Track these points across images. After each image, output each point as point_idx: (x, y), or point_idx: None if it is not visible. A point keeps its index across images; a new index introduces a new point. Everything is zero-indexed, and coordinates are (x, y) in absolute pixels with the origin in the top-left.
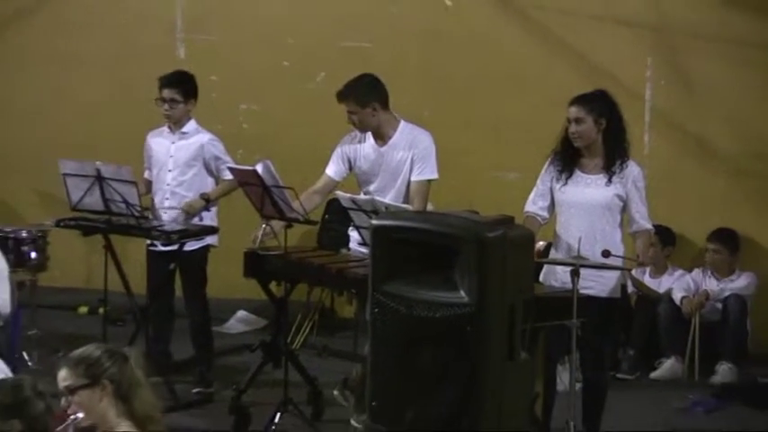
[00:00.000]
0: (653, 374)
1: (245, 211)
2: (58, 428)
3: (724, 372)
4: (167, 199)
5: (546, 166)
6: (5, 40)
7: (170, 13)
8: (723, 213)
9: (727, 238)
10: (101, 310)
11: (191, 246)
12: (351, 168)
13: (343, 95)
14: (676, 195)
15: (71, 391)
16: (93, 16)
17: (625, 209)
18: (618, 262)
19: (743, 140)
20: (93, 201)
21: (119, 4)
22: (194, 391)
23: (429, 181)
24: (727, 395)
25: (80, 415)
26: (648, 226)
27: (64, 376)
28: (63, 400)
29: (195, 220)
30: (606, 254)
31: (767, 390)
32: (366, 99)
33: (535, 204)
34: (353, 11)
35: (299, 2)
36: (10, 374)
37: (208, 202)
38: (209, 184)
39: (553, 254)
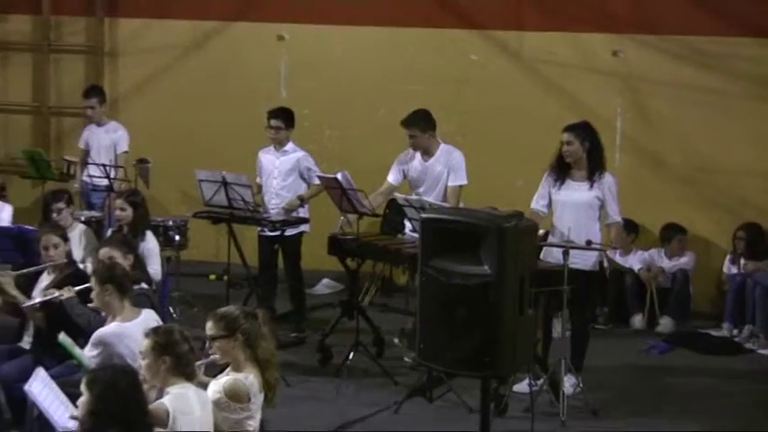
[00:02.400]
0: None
1: (329, 208)
2: (198, 363)
3: (665, 323)
4: (273, 198)
5: (545, 175)
6: (163, 83)
7: (276, 66)
8: (673, 211)
9: (678, 229)
10: (225, 278)
11: (290, 232)
12: (405, 176)
13: (408, 123)
14: (639, 197)
15: (213, 338)
16: (223, 66)
17: (602, 207)
18: (597, 246)
19: (688, 158)
20: (220, 198)
21: (242, 58)
22: (291, 335)
23: (461, 186)
24: (675, 341)
25: (217, 356)
26: (619, 219)
27: (209, 327)
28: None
29: (293, 214)
30: (588, 242)
31: (702, 337)
32: (425, 127)
33: (537, 203)
34: (407, 63)
35: (370, 56)
36: (161, 323)
37: (302, 201)
38: (303, 188)
39: (550, 239)
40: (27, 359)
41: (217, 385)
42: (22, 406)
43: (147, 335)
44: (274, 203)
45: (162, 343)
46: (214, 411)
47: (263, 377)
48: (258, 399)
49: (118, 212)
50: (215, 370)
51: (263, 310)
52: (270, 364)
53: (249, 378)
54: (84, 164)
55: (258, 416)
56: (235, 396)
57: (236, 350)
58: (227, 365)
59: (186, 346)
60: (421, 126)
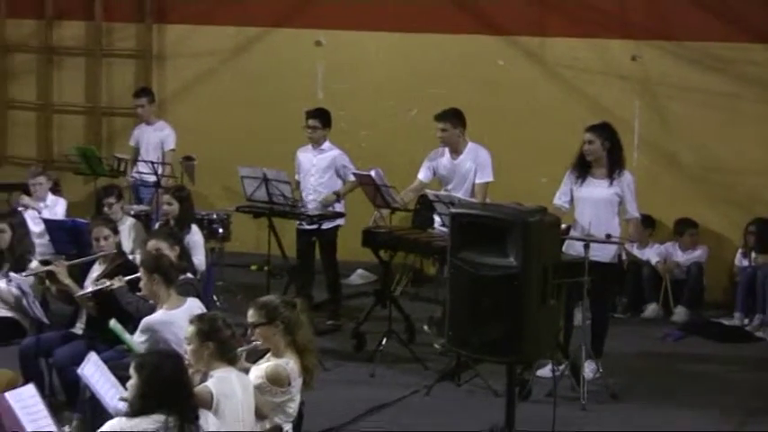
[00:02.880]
0: (641, 316)
1: (363, 203)
2: (240, 348)
3: (680, 313)
4: (311, 194)
5: (567, 173)
6: (208, 86)
7: (313, 70)
8: (687, 207)
9: (692, 224)
10: (265, 268)
11: (326, 225)
12: (434, 174)
13: (441, 117)
14: (655, 194)
15: (254, 326)
16: (264, 70)
17: (621, 203)
18: (616, 240)
19: (701, 157)
20: (261, 194)
21: (282, 62)
22: (328, 322)
23: (487, 183)
24: (689, 329)
25: (259, 342)
26: (636, 214)
27: (251, 315)
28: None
29: (329, 209)
30: (608, 236)
31: (714, 325)
32: (456, 122)
33: (560, 199)
34: (437, 67)
35: (401, 61)
36: (206, 311)
37: (338, 196)
38: (338, 185)
39: (572, 233)
40: (80, 344)
41: (259, 370)
42: (76, 388)
43: (191, 322)
44: (312, 199)
45: (206, 330)
46: (256, 395)
47: (301, 362)
48: (297, 383)
49: (165, 207)
50: (256, 356)
51: (301, 300)
52: (308, 351)
53: (290, 363)
54: (134, 161)
55: (297, 398)
56: (276, 380)
57: (277, 337)
58: (267, 351)
59: (228, 332)
60: (453, 121)
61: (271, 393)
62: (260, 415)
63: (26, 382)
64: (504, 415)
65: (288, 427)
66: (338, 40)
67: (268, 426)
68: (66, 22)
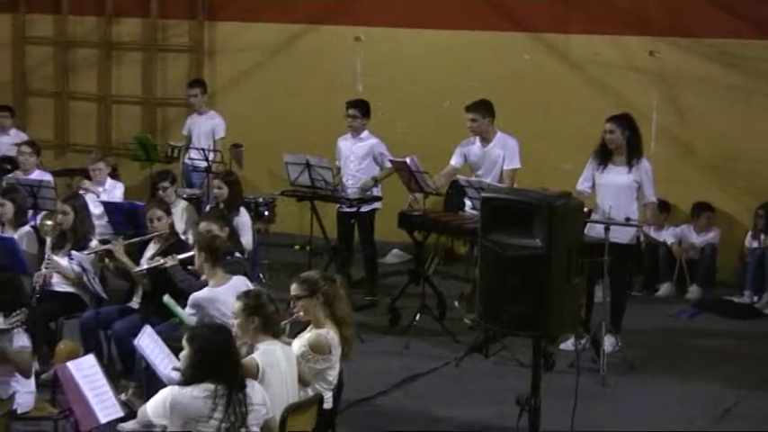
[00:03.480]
0: (657, 294)
1: (399, 188)
2: (284, 321)
3: (693, 291)
4: (350, 179)
5: (590, 160)
6: (255, 79)
7: (353, 64)
8: (701, 192)
9: (706, 208)
10: (307, 248)
11: (364, 208)
12: (465, 160)
13: (472, 108)
14: (671, 180)
15: (297, 298)
16: (306, 63)
17: (639, 188)
18: (634, 223)
19: (715, 146)
20: (304, 179)
21: (323, 56)
22: (365, 298)
23: (515, 169)
24: (702, 306)
25: (301, 314)
26: (654, 199)
27: (293, 288)
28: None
29: (367, 193)
30: (627, 219)
31: (726, 303)
32: (486, 113)
33: (582, 185)
34: (468, 62)
35: (435, 55)
36: (252, 287)
37: (375, 181)
38: (376, 170)
39: (593, 216)
40: (136, 317)
41: (302, 340)
42: (132, 358)
43: (238, 298)
44: (351, 184)
45: (251, 305)
46: (299, 363)
47: (340, 333)
48: (337, 352)
49: (215, 191)
50: (299, 328)
51: (340, 276)
52: (346, 322)
53: (330, 333)
54: (187, 148)
55: (337, 367)
56: (318, 348)
57: (317, 309)
58: (308, 324)
59: (272, 307)
60: (482, 112)
61: (313, 361)
62: (303, 382)
63: (86, 352)
64: (529, 385)
65: (328, 395)
66: (376, 36)
67: (311, 393)
68: (124, 20)
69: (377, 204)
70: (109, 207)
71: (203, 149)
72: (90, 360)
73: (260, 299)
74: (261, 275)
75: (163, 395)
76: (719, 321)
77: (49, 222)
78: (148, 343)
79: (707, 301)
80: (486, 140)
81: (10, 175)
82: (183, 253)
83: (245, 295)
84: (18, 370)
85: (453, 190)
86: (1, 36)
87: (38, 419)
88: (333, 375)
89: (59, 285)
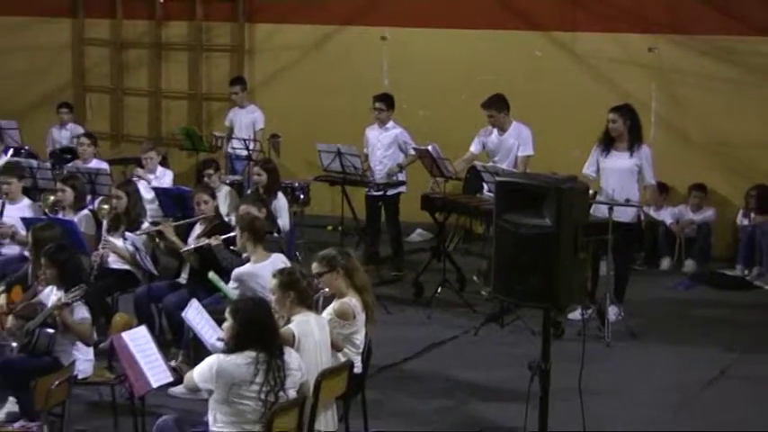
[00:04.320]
0: (658, 267)
1: (422, 173)
2: (316, 295)
3: (689, 265)
4: (377, 166)
5: (594, 147)
6: (291, 75)
7: (379, 61)
8: (697, 175)
9: (701, 189)
10: (339, 228)
11: (390, 192)
12: (484, 147)
13: (488, 105)
14: (669, 164)
15: (319, 275)
16: (337, 61)
17: (640, 172)
18: (635, 203)
19: (709, 133)
20: (335, 166)
21: (352, 54)
22: (392, 274)
23: (528, 156)
24: (698, 279)
25: (326, 289)
26: (653, 182)
27: (314, 267)
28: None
29: (393, 178)
30: (628, 200)
31: (719, 276)
32: (501, 107)
33: (588, 169)
34: (484, 57)
35: (454, 52)
36: (288, 264)
37: (400, 167)
38: (400, 157)
39: (598, 198)
40: (184, 292)
41: (328, 309)
42: (181, 329)
43: (274, 275)
44: (378, 170)
45: (287, 281)
46: (331, 332)
47: (361, 300)
48: (361, 317)
49: (255, 177)
50: (329, 302)
51: (361, 251)
52: (366, 290)
53: (352, 301)
54: (229, 138)
55: (363, 331)
56: (343, 315)
57: (338, 281)
58: (332, 296)
59: (305, 282)
60: (497, 107)
61: (339, 326)
62: (336, 348)
63: (140, 324)
64: (540, 351)
65: (357, 359)
66: (400, 35)
67: (342, 359)
68: (172, 23)
69: (402, 188)
70: (159, 192)
71: (244, 140)
72: (142, 331)
73: (294, 275)
74: (296, 254)
75: (209, 362)
76: (714, 292)
77: (106, 206)
78: (195, 315)
79: (702, 274)
80: (502, 130)
81: (70, 164)
82: (226, 233)
83: (281, 272)
84: (78, 339)
85: (471, 175)
86: (62, 39)
87: (96, 384)
88: (359, 339)
89: (115, 263)
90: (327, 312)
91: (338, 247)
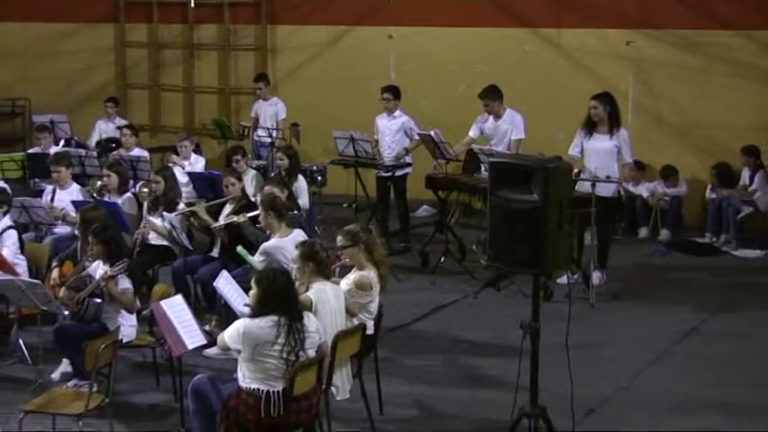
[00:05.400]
0: (637, 236)
1: (426, 156)
2: (334, 265)
3: (664, 234)
4: (386, 150)
5: (578, 130)
6: (309, 70)
7: (387, 56)
8: (670, 154)
9: (673, 167)
10: (353, 206)
11: (398, 173)
12: (481, 132)
13: (484, 95)
14: (645, 145)
15: (342, 248)
16: (349, 57)
17: (619, 152)
18: (615, 180)
19: (680, 117)
20: (349, 150)
21: (363, 51)
22: (400, 245)
23: (520, 139)
24: (672, 246)
25: (347, 260)
26: (630, 160)
27: (339, 240)
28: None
29: (400, 160)
30: (608, 177)
31: (691, 243)
32: (495, 97)
33: (573, 150)
34: (480, 52)
35: (453, 48)
36: (308, 238)
37: (407, 151)
38: (406, 142)
39: (582, 175)
40: (216, 264)
41: (348, 280)
42: (213, 297)
43: (296, 247)
44: (387, 153)
45: (307, 253)
46: (345, 298)
47: (378, 272)
48: (377, 288)
49: (278, 161)
50: (346, 271)
51: (376, 227)
52: (382, 264)
53: (370, 274)
54: (255, 128)
55: (377, 300)
56: (361, 287)
57: (359, 255)
58: (353, 267)
59: (324, 254)
60: (492, 97)
61: (358, 296)
62: (350, 313)
63: (177, 293)
64: (531, 312)
65: (370, 323)
66: (405, 34)
67: (356, 322)
68: (203, 26)
69: (408, 169)
70: (193, 176)
71: (268, 128)
72: (179, 299)
73: (314, 247)
74: (316, 228)
75: (237, 326)
76: (686, 258)
77: (146, 190)
78: (225, 284)
79: (676, 241)
80: (497, 117)
81: (114, 153)
82: (252, 212)
83: (302, 245)
84: (122, 308)
85: (470, 157)
86: (106, 42)
87: (139, 347)
88: (374, 307)
89: (154, 240)
90: (346, 283)
91: (361, 224)
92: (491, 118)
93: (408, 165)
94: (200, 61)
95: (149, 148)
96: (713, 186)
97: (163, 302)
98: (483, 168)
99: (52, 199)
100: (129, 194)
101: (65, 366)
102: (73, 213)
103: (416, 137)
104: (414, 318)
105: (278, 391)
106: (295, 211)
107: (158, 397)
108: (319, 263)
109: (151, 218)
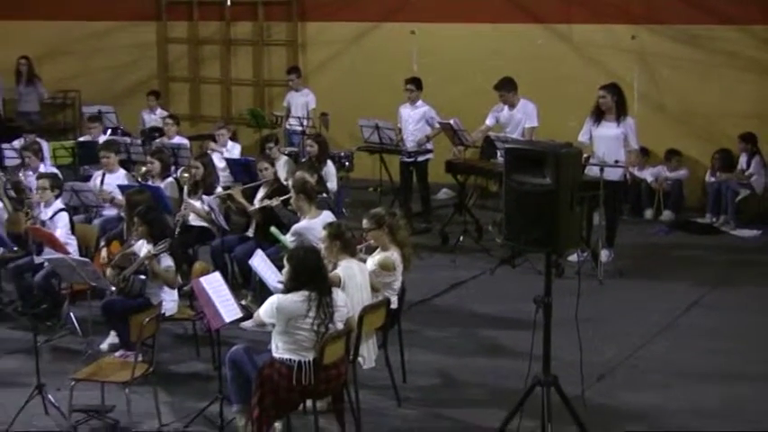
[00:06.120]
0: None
1: (445, 142)
2: (360, 246)
3: (667, 215)
4: (409, 137)
5: (587, 118)
6: (338, 63)
7: (409, 50)
8: (673, 141)
9: (676, 153)
10: (378, 189)
11: (420, 159)
12: (497, 121)
13: (499, 86)
14: (650, 132)
15: (368, 230)
16: (375, 51)
17: (625, 139)
18: (622, 165)
19: (683, 106)
20: (374, 138)
21: (387, 45)
22: (422, 225)
23: (533, 127)
24: (674, 226)
25: (372, 242)
26: (636, 147)
27: (365, 223)
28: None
29: (422, 147)
30: (616, 162)
31: (692, 223)
32: (510, 88)
33: (583, 137)
34: (496, 46)
35: (471, 42)
36: (336, 219)
37: (428, 138)
38: (428, 130)
39: (591, 161)
40: (251, 243)
41: (373, 260)
42: (249, 274)
43: (324, 227)
44: (410, 140)
45: (334, 233)
46: (370, 276)
47: (401, 253)
48: (400, 268)
49: (308, 148)
50: (371, 251)
51: (400, 210)
52: (405, 245)
53: (394, 254)
54: (287, 117)
55: (400, 279)
56: (386, 267)
57: (384, 237)
58: (377, 247)
59: (349, 234)
60: (507, 88)
61: (382, 276)
62: (374, 289)
63: (215, 270)
64: (543, 287)
65: (394, 298)
66: (426, 29)
67: (381, 298)
68: (239, 23)
69: (429, 155)
70: (230, 162)
71: (299, 117)
72: (217, 276)
73: (340, 228)
74: (344, 211)
75: (271, 301)
76: (687, 237)
77: (186, 175)
78: (260, 262)
79: (678, 222)
80: (512, 106)
81: (157, 141)
82: (284, 195)
83: (329, 226)
84: (165, 284)
85: (486, 143)
86: (149, 39)
87: (180, 320)
88: (397, 285)
89: (194, 221)
90: (372, 263)
91: (386, 207)
92: (506, 107)
93: (429, 151)
94: (236, 56)
95: (189, 136)
96: (712, 171)
97: (202, 279)
98: (499, 154)
99: (101, 183)
100: (170, 179)
101: (112, 338)
102: (119, 197)
103: (437, 125)
104: (435, 293)
105: (309, 361)
106: (324, 194)
107: (198, 366)
108: (345, 242)
109: (191, 201)
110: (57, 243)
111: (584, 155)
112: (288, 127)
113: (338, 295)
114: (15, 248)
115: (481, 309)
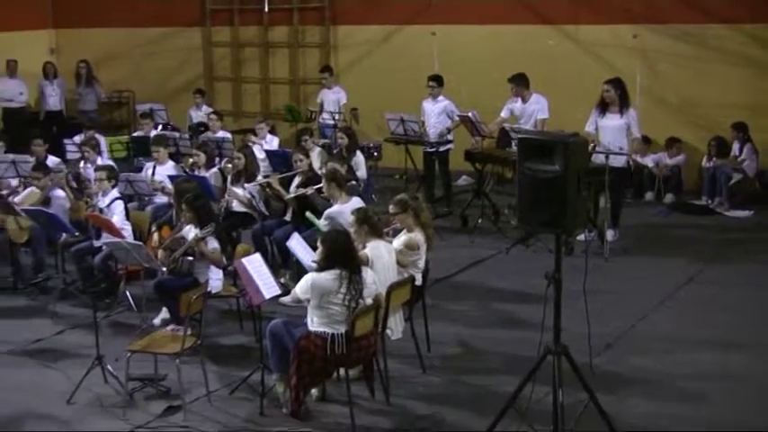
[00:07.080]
0: (643, 200)
1: (465, 133)
2: (386, 229)
3: (667, 197)
4: (431, 129)
5: (593, 110)
6: (366, 63)
7: (431, 50)
8: (672, 130)
9: (675, 141)
10: (404, 177)
11: (442, 149)
12: (512, 113)
13: (514, 80)
14: (651, 122)
15: (393, 215)
16: (400, 52)
17: (628, 128)
18: (625, 152)
19: (681, 98)
20: (400, 130)
21: (413, 46)
22: (444, 209)
23: (545, 119)
24: (673, 208)
25: (398, 225)
26: (639, 136)
27: (391, 208)
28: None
29: (444, 138)
30: (620, 149)
31: (690, 205)
32: (522, 82)
33: (589, 127)
34: (509, 45)
35: (487, 42)
36: (364, 204)
37: (449, 130)
38: (448, 122)
39: (597, 149)
40: (289, 227)
41: (399, 241)
42: (287, 255)
43: (353, 213)
44: (432, 132)
45: (361, 217)
46: (398, 255)
47: (425, 233)
48: (424, 248)
49: (339, 140)
50: (397, 233)
51: (423, 194)
52: (428, 226)
53: (418, 235)
54: (320, 112)
55: (424, 257)
56: (411, 246)
57: (409, 219)
58: (402, 229)
59: (375, 218)
60: (520, 82)
61: (408, 255)
62: (402, 266)
63: (256, 252)
64: (554, 265)
65: (419, 275)
66: (446, 31)
67: (406, 275)
68: (276, 27)
69: (450, 146)
70: (269, 153)
71: (331, 112)
72: (258, 257)
73: (366, 213)
74: (373, 196)
75: (306, 278)
76: (685, 218)
77: (229, 165)
78: (297, 244)
79: (676, 204)
80: (525, 99)
81: (203, 135)
82: (317, 183)
83: (356, 211)
84: (211, 264)
85: (502, 134)
86: (195, 42)
87: (225, 297)
88: (421, 263)
89: (237, 207)
90: (398, 243)
91: (410, 193)
92: (519, 100)
93: (450, 141)
94: (273, 57)
95: (232, 130)
96: (709, 157)
97: (244, 260)
98: (513, 144)
99: (153, 174)
100: (215, 169)
101: (164, 314)
102: (169, 186)
103: (457, 118)
104: (455, 270)
105: (341, 334)
106: (353, 182)
107: (241, 339)
108: (372, 225)
109: (234, 188)
110: (113, 228)
111: (591, 144)
112: (321, 121)
113: (367, 273)
114: (77, 234)
115: (498, 284)
